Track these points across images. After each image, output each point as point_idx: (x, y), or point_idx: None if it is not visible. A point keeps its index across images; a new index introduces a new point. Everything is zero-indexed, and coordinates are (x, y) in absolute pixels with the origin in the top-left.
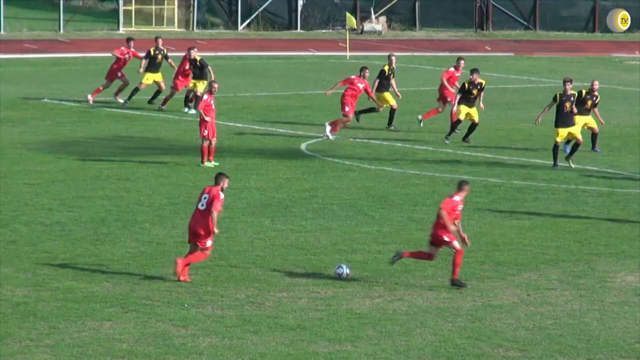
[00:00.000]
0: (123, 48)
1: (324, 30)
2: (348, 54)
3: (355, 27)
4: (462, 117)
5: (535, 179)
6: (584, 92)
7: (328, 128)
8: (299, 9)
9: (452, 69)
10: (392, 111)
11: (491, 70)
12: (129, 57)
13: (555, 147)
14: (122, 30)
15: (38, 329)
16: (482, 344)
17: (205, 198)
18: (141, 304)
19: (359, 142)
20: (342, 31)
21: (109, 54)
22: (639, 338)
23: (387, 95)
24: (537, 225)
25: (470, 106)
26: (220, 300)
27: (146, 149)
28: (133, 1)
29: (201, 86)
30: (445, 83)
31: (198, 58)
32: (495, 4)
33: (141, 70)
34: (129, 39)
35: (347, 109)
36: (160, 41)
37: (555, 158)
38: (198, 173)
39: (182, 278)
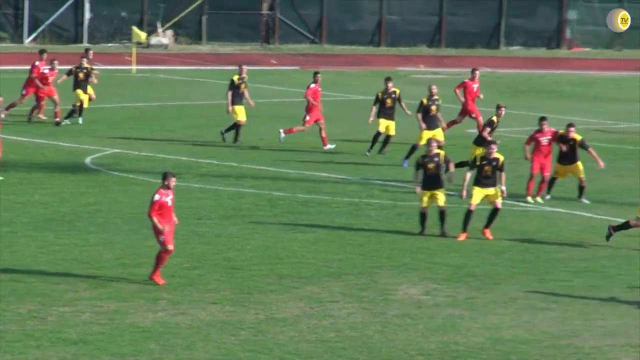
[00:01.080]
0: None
1: (110, 44)
2: (134, 67)
3: (143, 41)
4: (382, 129)
5: (319, 193)
6: (425, 100)
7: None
8: (86, 22)
9: (467, 80)
10: (238, 126)
11: (276, 83)
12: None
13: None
14: None
15: None
16: (264, 357)
17: None
18: None
19: (144, 156)
20: (129, 45)
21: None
22: (420, 350)
23: (239, 109)
24: (320, 239)
25: (387, 118)
26: (2, 314)
27: None
28: None
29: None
30: (458, 94)
31: (90, 67)
32: (282, 18)
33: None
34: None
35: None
36: (90, 53)
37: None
38: None
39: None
